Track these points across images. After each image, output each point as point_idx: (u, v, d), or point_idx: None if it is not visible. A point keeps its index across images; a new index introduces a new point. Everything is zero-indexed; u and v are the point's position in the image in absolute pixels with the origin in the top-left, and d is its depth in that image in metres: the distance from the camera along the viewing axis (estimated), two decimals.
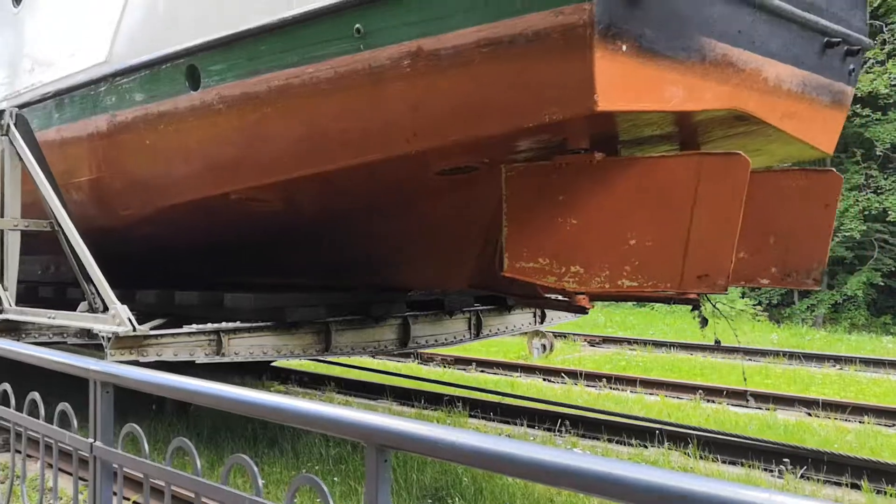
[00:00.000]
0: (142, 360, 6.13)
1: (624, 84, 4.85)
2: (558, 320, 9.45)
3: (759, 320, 28.37)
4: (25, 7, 8.65)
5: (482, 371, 14.23)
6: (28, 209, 7.72)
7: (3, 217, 7.44)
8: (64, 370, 3.80)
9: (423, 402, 10.80)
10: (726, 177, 5.35)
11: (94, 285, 6.53)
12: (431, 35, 5.19)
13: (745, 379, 9.99)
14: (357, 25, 5.48)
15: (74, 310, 7.11)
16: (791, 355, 16.25)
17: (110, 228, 7.85)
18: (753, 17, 5.65)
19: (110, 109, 7.29)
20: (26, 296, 9.22)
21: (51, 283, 9.42)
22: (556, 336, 16.72)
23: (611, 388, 12.41)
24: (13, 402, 4.08)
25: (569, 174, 5.68)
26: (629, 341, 18.48)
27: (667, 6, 4.95)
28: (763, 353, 16.73)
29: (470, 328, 8.51)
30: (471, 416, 10.13)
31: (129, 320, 6.06)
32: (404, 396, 11.18)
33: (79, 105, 7.67)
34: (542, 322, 9.21)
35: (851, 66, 6.64)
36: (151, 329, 6.26)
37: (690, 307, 6.92)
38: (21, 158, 7.31)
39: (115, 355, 6.01)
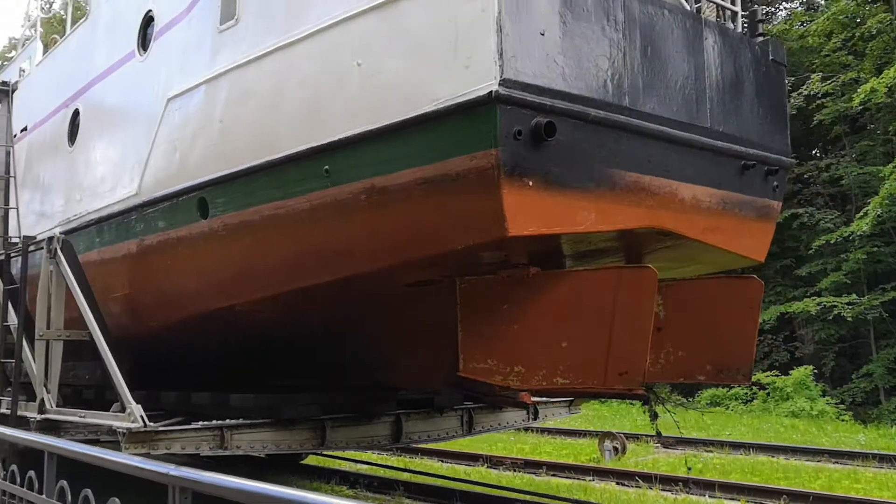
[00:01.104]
0: (153, 453, 7.40)
1: (532, 213, 6.02)
2: (552, 417, 10.41)
3: (843, 420, 28.18)
4: (78, 146, 10.42)
5: (553, 475, 14.33)
6: (75, 322, 9.21)
7: (48, 329, 8.95)
8: (142, 475, 4.00)
9: None
10: (638, 286, 6.42)
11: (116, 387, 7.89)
12: (381, 175, 6.50)
13: (689, 468, 10.59)
14: (325, 166, 6.84)
15: (109, 410, 8.49)
16: (882, 458, 15.65)
17: (141, 337, 9.28)
18: (663, 148, 6.81)
19: (139, 234, 8.83)
20: (73, 398, 10.69)
21: (93, 386, 10.86)
22: (627, 437, 16.87)
23: (688, 492, 12.39)
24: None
25: (509, 286, 6.82)
26: (704, 442, 18.36)
27: (570, 148, 6.15)
28: (850, 456, 16.18)
29: (462, 425, 9.54)
30: None
31: (142, 417, 7.36)
32: (475, 502, 11.41)
33: (115, 230, 9.25)
34: (534, 419, 10.21)
35: (775, 183, 7.71)
36: (163, 426, 7.56)
37: (641, 402, 7.86)
38: (65, 279, 8.85)
39: (129, 448, 7.30)
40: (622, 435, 16.51)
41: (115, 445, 8.85)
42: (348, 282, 7.15)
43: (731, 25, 7.95)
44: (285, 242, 7.35)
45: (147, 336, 9.27)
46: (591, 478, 13.84)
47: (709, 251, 7.49)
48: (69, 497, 4.76)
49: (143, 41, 9.37)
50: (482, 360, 6.89)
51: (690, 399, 29.23)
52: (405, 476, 13.47)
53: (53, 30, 11.99)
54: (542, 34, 6.04)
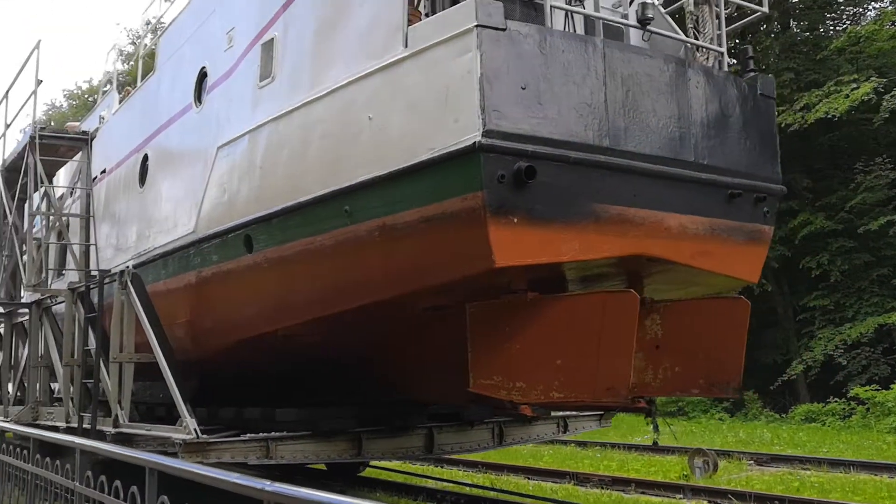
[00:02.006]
0: (205, 461, 8.68)
1: (518, 246, 7.03)
2: (582, 430, 11.32)
3: None
4: (147, 188, 11.98)
5: (642, 492, 14.54)
6: (145, 346, 10.64)
7: (121, 352, 10.41)
8: (237, 490, 4.19)
9: None
10: (621, 309, 7.36)
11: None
12: (391, 214, 7.64)
13: (686, 475, 11.22)
14: (346, 207, 8.03)
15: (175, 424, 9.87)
16: None
17: (203, 359, 10.65)
18: (648, 182, 7.74)
19: (197, 267, 10.22)
20: (147, 414, 12.18)
21: (164, 403, 12.33)
22: (718, 455, 16.85)
23: None
24: None
25: (511, 309, 7.84)
26: (801, 460, 18.13)
27: (553, 186, 7.16)
28: None
29: (493, 437, 10.58)
30: None
31: (195, 430, 8.68)
32: None
33: (177, 264, 10.69)
34: (564, 432, 11.15)
35: (765, 209, 8.52)
36: (214, 438, 8.85)
37: (644, 414, 8.76)
38: (134, 308, 10.30)
39: (185, 457, 8.61)
40: (713, 452, 16.48)
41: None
42: (371, 308, 8.29)
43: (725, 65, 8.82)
44: (316, 274, 8.55)
45: (207, 358, 10.64)
46: (681, 496, 13.97)
47: (702, 274, 8.36)
48: None
49: (199, 94, 10.83)
50: (489, 377, 7.92)
51: (784, 415, 29.22)
52: (491, 494, 13.96)
53: (147, 66, 13.75)
54: (524, 88, 7.08)
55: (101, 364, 10.90)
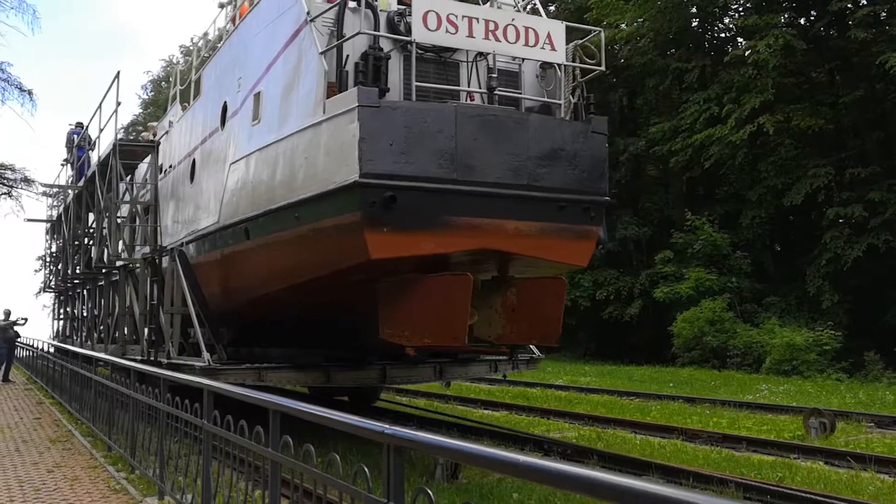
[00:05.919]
0: (215, 383, 14.17)
1: (387, 245, 11.93)
2: (513, 370, 16.25)
3: None
4: (195, 184, 17.56)
5: (754, 450, 15.21)
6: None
7: (172, 306, 16.09)
8: (357, 433, 4.72)
9: (691, 480, 12.24)
10: (459, 285, 12.23)
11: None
12: (318, 220, 12.75)
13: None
14: (296, 214, 13.18)
15: None
16: None
17: (230, 313, 16.22)
18: (489, 200, 12.52)
19: (220, 248, 15.68)
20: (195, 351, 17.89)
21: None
22: (836, 416, 17.45)
23: None
24: (315, 458, 5.34)
25: (402, 284, 12.87)
26: None
27: (412, 206, 12.05)
28: None
29: (435, 373, 15.62)
30: (746, 497, 11.22)
31: (208, 360, 14.18)
32: (672, 474, 12.63)
33: (210, 244, 16.20)
34: (494, 371, 16.11)
35: (592, 214, 13.14)
36: (221, 366, 14.33)
37: (507, 356, 13.71)
38: (178, 275, 15.92)
39: (201, 377, 14.11)
40: (830, 413, 17.19)
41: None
42: (319, 280, 13.46)
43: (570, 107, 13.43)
44: (282, 256, 13.78)
45: (233, 312, 16.20)
46: (795, 455, 14.53)
47: (542, 261, 13.12)
48: (292, 450, 5.76)
49: (223, 120, 16.23)
50: (390, 328, 13.00)
51: None
52: (599, 445, 15.50)
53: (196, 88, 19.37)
54: (391, 144, 11.97)
55: (161, 314, 16.69)
